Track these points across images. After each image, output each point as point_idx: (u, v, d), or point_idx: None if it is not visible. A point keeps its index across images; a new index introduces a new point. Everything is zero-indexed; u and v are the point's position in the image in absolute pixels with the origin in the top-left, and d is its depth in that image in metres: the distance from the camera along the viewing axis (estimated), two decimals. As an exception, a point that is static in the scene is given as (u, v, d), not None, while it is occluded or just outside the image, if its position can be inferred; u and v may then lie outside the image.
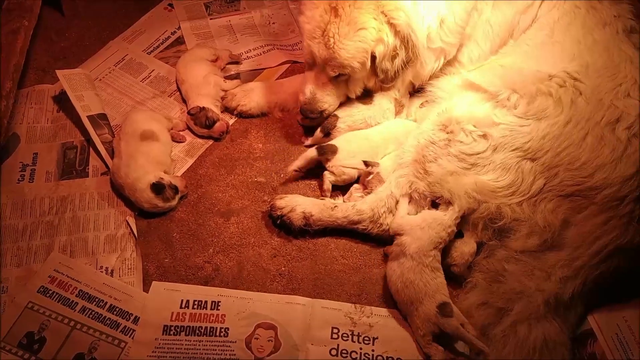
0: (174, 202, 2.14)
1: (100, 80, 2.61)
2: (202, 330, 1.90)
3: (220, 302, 1.95)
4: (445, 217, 1.95)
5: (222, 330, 1.90)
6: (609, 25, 2.02)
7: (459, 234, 2.00)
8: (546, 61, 1.99)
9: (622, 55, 1.95)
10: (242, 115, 2.48)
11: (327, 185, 2.19)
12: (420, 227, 1.96)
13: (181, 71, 2.53)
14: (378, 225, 2.07)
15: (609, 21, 2.03)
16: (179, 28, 2.84)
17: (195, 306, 1.94)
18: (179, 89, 2.57)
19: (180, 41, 2.79)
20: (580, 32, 2.01)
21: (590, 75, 1.90)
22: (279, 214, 2.09)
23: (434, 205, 2.03)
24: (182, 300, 1.95)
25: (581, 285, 1.83)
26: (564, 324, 1.84)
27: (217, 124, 2.36)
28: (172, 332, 1.89)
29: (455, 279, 2.01)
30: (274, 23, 2.90)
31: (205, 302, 1.95)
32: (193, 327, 1.90)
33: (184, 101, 2.52)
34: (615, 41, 1.98)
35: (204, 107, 2.36)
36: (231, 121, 2.48)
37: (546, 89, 1.92)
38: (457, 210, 1.94)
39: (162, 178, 2.10)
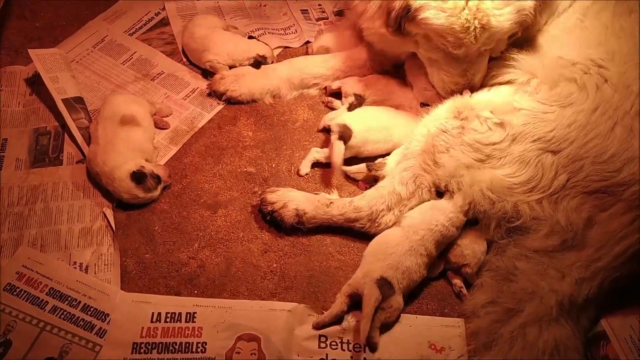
0: (156, 193, 2.03)
1: (78, 62, 2.48)
2: (177, 347, 1.73)
3: (196, 313, 1.80)
4: (449, 205, 1.84)
5: (199, 345, 1.74)
6: (635, 12, 1.94)
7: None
8: (571, 46, 1.91)
9: None
10: (230, 101, 2.37)
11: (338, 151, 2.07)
12: (420, 210, 1.88)
13: (205, 42, 2.41)
14: (376, 224, 1.96)
15: (635, 9, 1.94)
16: (164, 9, 2.72)
17: (168, 319, 1.78)
18: (191, 62, 2.48)
19: (164, 22, 2.67)
20: (609, 18, 1.93)
21: (616, 62, 1.82)
22: (269, 209, 1.98)
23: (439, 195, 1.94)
24: (153, 314, 1.79)
25: (597, 288, 1.74)
26: (576, 327, 1.75)
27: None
28: (142, 351, 1.72)
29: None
30: (265, 6, 2.80)
31: (180, 314, 1.79)
32: (166, 343, 1.73)
33: (167, 88, 2.41)
34: None
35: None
36: (219, 107, 2.37)
37: (570, 75, 1.83)
38: (461, 199, 1.83)
39: (143, 166, 1.99)
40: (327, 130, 2.18)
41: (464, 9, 1.83)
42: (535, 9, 1.90)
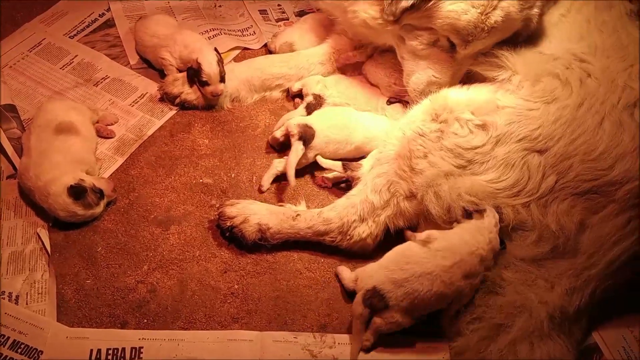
0: (98, 210, 1.92)
1: (11, 67, 2.35)
2: (122, 388, 1.60)
3: (142, 347, 1.67)
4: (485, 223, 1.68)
5: (148, 384, 1.61)
6: (615, 7, 1.94)
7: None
8: (553, 41, 1.88)
9: (630, 37, 1.87)
10: (185, 106, 2.25)
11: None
12: (469, 230, 1.68)
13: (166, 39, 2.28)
14: (348, 237, 1.87)
15: (614, 3, 1.95)
16: (109, 9, 2.62)
17: (110, 356, 1.64)
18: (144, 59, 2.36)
19: (109, 24, 2.56)
20: (591, 12, 1.93)
21: (599, 55, 1.81)
22: (229, 224, 1.89)
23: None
24: (92, 351, 1.64)
25: (589, 297, 1.69)
26: (569, 341, 1.69)
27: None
28: (80, 396, 1.58)
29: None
30: (220, 6, 2.70)
31: (123, 349, 1.65)
32: (109, 385, 1.60)
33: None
34: (622, 22, 1.92)
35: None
36: (170, 113, 2.25)
37: (552, 70, 1.79)
38: (492, 215, 1.69)
39: (82, 180, 1.88)
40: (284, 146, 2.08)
41: (495, 8, 1.75)
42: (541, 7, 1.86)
